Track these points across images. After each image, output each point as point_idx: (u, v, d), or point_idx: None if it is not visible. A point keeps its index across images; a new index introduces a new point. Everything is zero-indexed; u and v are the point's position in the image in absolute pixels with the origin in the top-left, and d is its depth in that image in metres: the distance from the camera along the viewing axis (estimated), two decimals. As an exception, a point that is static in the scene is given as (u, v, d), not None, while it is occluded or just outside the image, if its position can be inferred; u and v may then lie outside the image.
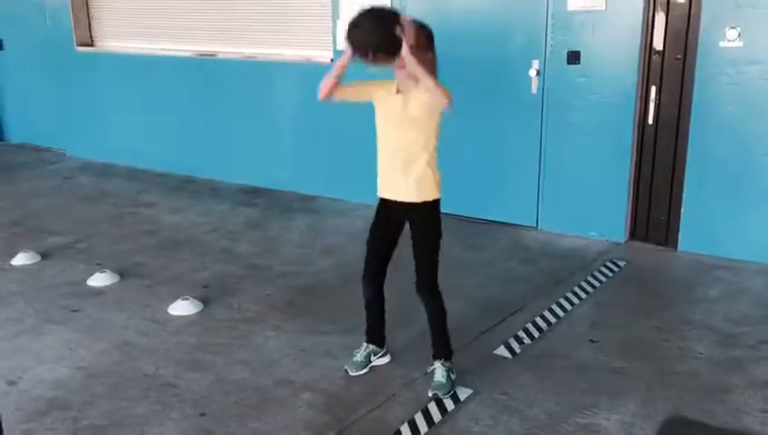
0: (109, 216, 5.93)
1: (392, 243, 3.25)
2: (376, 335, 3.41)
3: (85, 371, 3.42)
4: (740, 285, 4.33)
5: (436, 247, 3.16)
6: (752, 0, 4.33)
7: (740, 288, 4.28)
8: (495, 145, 5.38)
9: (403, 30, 2.85)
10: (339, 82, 3.06)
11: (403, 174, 3.07)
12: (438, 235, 3.16)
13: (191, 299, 4.10)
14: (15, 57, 8.52)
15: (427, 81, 2.89)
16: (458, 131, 5.44)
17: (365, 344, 3.41)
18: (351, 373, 3.34)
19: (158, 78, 7.16)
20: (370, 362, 3.40)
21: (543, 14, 4.97)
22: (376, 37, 2.86)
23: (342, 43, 3.02)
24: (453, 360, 3.27)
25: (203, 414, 3.06)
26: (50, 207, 6.23)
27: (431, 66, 3.00)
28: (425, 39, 3.00)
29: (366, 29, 2.88)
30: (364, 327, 3.42)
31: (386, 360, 3.45)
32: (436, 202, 3.13)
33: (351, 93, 3.15)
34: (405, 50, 2.85)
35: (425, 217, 3.12)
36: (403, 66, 2.91)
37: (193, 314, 4.01)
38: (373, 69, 2.96)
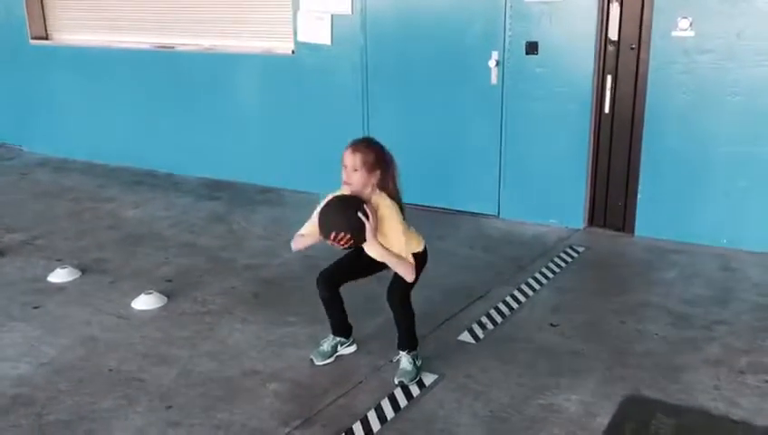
0: (68, 211, 5.85)
1: (365, 274, 3.33)
2: (340, 329, 3.44)
3: (48, 367, 3.39)
4: (694, 268, 4.47)
5: (416, 278, 3.21)
6: (702, -9, 4.45)
7: (694, 271, 4.42)
8: (456, 135, 5.44)
9: (366, 215, 2.98)
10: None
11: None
12: (419, 272, 3.20)
13: (155, 293, 4.08)
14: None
15: (393, 266, 3.09)
16: (420, 122, 5.50)
17: (332, 336, 3.45)
18: (317, 363, 3.37)
19: (116, 71, 7.06)
20: (337, 351, 3.43)
21: (501, 4, 5.03)
22: (343, 223, 3.00)
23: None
24: (418, 349, 3.33)
25: (169, 407, 3.06)
26: (7, 203, 6.12)
27: (384, 181, 3.12)
28: (373, 157, 3.08)
29: (332, 215, 3.04)
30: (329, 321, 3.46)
31: (352, 349, 3.48)
32: (416, 254, 3.18)
33: (316, 236, 3.19)
34: (369, 235, 2.99)
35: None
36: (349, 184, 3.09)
37: (157, 308, 4.00)
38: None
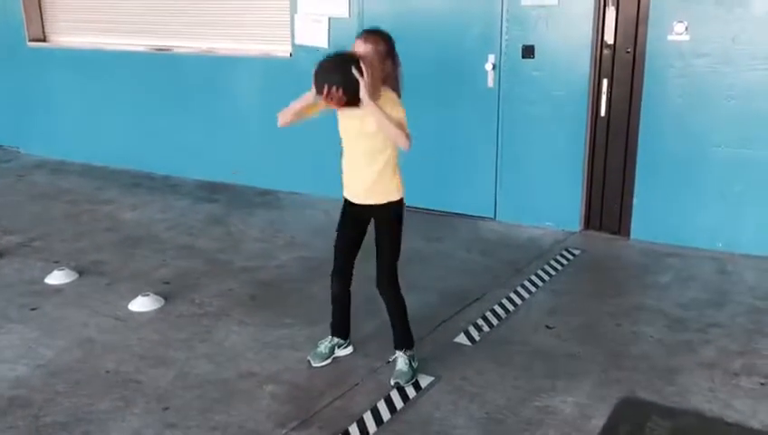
0: (66, 213, 5.85)
1: (358, 241, 3.31)
2: (341, 329, 3.45)
3: (46, 368, 3.40)
4: (690, 271, 4.49)
5: (398, 245, 3.23)
6: (697, -5, 4.48)
7: (690, 274, 4.44)
8: (453, 138, 5.46)
9: (361, 72, 2.91)
10: (299, 115, 3.17)
11: (363, 178, 3.16)
12: (400, 233, 3.22)
13: (152, 295, 4.09)
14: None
15: (388, 130, 3.00)
16: (417, 125, 5.47)
17: (330, 337, 3.46)
18: (314, 364, 3.38)
19: (114, 73, 7.07)
20: (334, 353, 3.44)
21: (498, 9, 5.06)
22: (337, 76, 2.93)
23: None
24: (414, 349, 3.34)
25: (166, 408, 3.07)
26: (4, 205, 6.13)
27: (391, 77, 3.08)
28: (384, 47, 3.05)
29: (327, 69, 2.96)
30: (328, 321, 3.47)
31: (349, 351, 3.49)
32: (398, 202, 3.20)
33: (306, 112, 3.18)
34: (363, 94, 2.92)
35: (387, 216, 3.20)
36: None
37: (154, 310, 4.01)
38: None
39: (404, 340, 3.31)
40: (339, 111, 3.11)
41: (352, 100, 2.94)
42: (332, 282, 3.36)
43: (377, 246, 3.23)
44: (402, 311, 3.30)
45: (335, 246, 3.33)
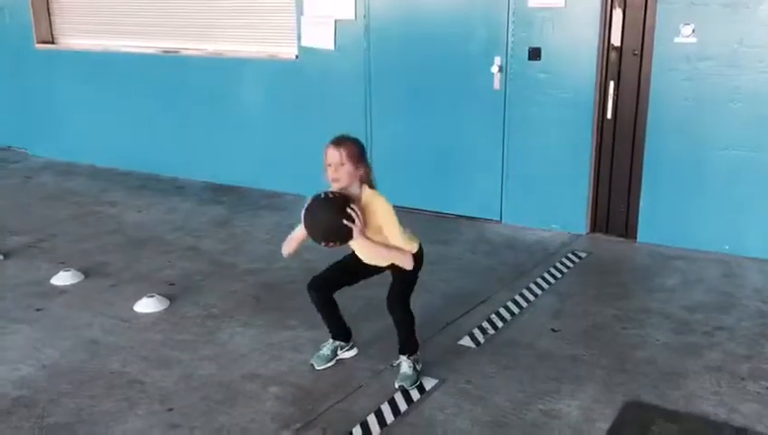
0: (72, 215, 5.87)
1: (359, 279, 3.34)
2: (339, 333, 3.45)
3: (50, 369, 3.41)
4: (696, 274, 4.46)
5: (413, 284, 3.25)
6: (704, -3, 4.46)
7: (696, 277, 4.41)
8: (459, 140, 5.45)
9: (351, 219, 2.97)
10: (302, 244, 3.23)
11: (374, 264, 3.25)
12: (415, 275, 3.23)
13: (156, 296, 4.10)
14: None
15: (389, 258, 3.11)
16: (423, 127, 5.52)
17: (331, 340, 3.45)
18: (318, 367, 3.38)
19: (121, 76, 7.09)
20: (337, 355, 3.44)
21: (505, 10, 5.05)
22: (325, 231, 3.02)
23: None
24: (419, 353, 3.33)
25: (170, 410, 3.07)
26: (11, 206, 6.15)
27: (368, 175, 3.13)
28: (356, 150, 3.08)
29: (316, 222, 3.04)
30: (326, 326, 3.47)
31: (352, 353, 3.49)
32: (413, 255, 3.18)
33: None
34: (357, 234, 2.99)
35: (400, 270, 3.20)
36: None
37: (159, 312, 4.01)
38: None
39: (409, 346, 3.31)
40: None
41: (346, 242, 3.07)
42: (310, 290, 3.31)
43: (393, 280, 3.24)
44: (410, 324, 3.30)
45: (332, 266, 3.34)
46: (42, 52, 7.61)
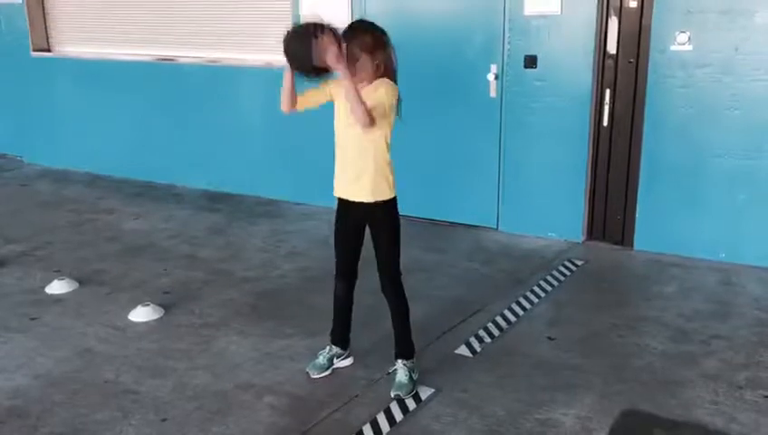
0: (68, 222, 5.85)
1: (356, 242, 3.29)
2: (341, 337, 3.43)
3: (44, 379, 3.38)
4: (693, 282, 4.45)
5: (396, 246, 3.22)
6: (700, 5, 4.46)
7: (693, 285, 4.40)
8: (456, 148, 5.45)
9: (322, 46, 2.87)
10: (294, 91, 3.10)
11: (354, 174, 3.13)
12: (397, 233, 3.21)
13: (152, 305, 4.07)
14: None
15: (352, 101, 2.92)
16: (419, 134, 5.51)
17: (329, 347, 3.43)
18: (313, 376, 3.36)
19: (117, 83, 7.08)
20: (333, 364, 3.42)
21: (501, 18, 5.05)
22: (301, 59, 2.94)
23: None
24: (415, 359, 3.32)
25: (164, 420, 3.05)
26: (7, 213, 6.13)
27: (380, 69, 3.05)
28: (371, 42, 3.02)
29: (291, 51, 2.97)
30: (328, 331, 3.45)
31: (348, 362, 3.47)
32: (391, 201, 3.17)
33: (312, 98, 3.19)
34: (334, 61, 2.87)
35: (381, 217, 3.17)
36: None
37: (154, 320, 3.99)
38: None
39: (405, 348, 3.29)
40: (331, 88, 3.11)
41: (320, 68, 2.92)
42: (336, 284, 3.35)
43: (375, 250, 3.21)
44: (404, 316, 3.29)
45: (334, 248, 3.33)
46: (38, 59, 7.60)
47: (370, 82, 3.05)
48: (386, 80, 3.08)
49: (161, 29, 6.87)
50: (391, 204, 3.18)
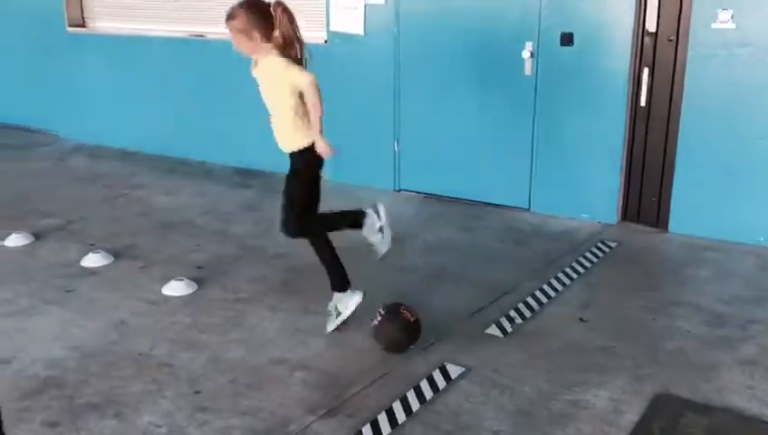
0: (102, 197, 5.93)
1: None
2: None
3: (80, 350, 3.45)
4: (729, 266, 4.37)
5: (294, 195, 3.58)
6: (744, -18, 4.34)
7: (729, 269, 4.33)
8: (489, 127, 5.39)
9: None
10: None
11: (276, 129, 3.60)
12: (299, 184, 3.56)
13: (185, 280, 4.12)
14: (4, 38, 8.44)
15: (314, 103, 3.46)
16: (452, 112, 5.46)
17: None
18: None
19: (151, 60, 7.12)
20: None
21: (537, -5, 4.97)
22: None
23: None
24: (348, 291, 3.54)
25: (197, 392, 3.09)
26: (42, 188, 6.23)
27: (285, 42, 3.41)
28: (245, 24, 3.43)
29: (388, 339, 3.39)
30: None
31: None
32: (301, 152, 3.48)
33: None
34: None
35: (293, 164, 3.55)
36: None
37: (187, 295, 4.03)
38: None
39: (333, 281, 3.58)
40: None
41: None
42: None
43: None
44: (325, 252, 3.57)
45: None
46: (73, 35, 7.67)
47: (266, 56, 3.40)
48: (272, 58, 3.42)
49: (193, 5, 6.87)
50: (301, 154, 3.57)
